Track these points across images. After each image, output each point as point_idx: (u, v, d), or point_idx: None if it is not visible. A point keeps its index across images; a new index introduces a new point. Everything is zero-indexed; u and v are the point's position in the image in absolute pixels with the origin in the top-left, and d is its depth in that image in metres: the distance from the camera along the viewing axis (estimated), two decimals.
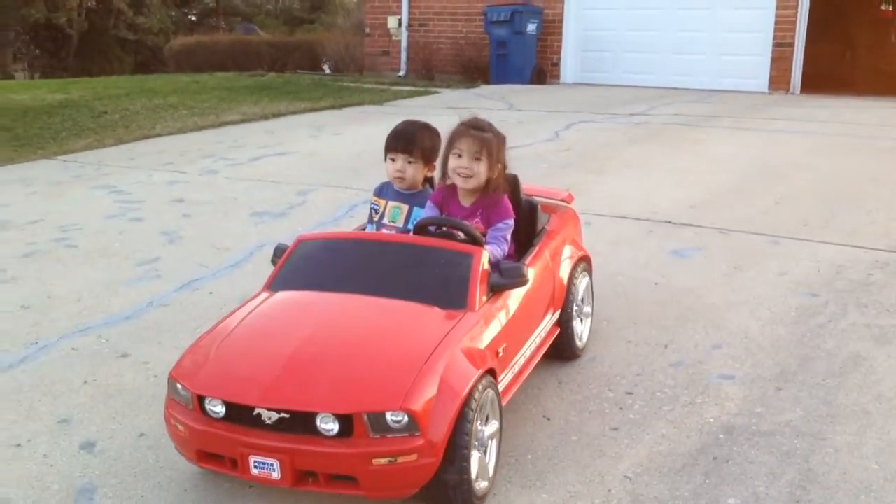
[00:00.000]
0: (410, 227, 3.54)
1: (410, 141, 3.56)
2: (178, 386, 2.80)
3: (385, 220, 3.64)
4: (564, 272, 3.78)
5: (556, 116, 10.66)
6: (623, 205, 6.50)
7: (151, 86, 13.84)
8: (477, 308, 3.02)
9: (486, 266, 3.14)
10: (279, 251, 3.39)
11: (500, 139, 3.52)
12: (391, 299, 3.02)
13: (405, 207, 3.62)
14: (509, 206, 3.52)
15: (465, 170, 3.42)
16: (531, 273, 3.32)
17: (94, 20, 28.11)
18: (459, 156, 3.43)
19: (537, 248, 3.61)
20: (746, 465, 3.12)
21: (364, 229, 3.81)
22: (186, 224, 6.27)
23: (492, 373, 2.91)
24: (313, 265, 3.30)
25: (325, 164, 8.10)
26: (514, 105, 11.72)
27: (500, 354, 3.06)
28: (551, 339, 3.68)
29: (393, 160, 3.59)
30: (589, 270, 4.08)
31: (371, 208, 3.73)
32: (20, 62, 30.57)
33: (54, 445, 3.34)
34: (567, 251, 3.88)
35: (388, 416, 2.56)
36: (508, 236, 3.47)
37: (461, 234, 3.35)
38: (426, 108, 11.78)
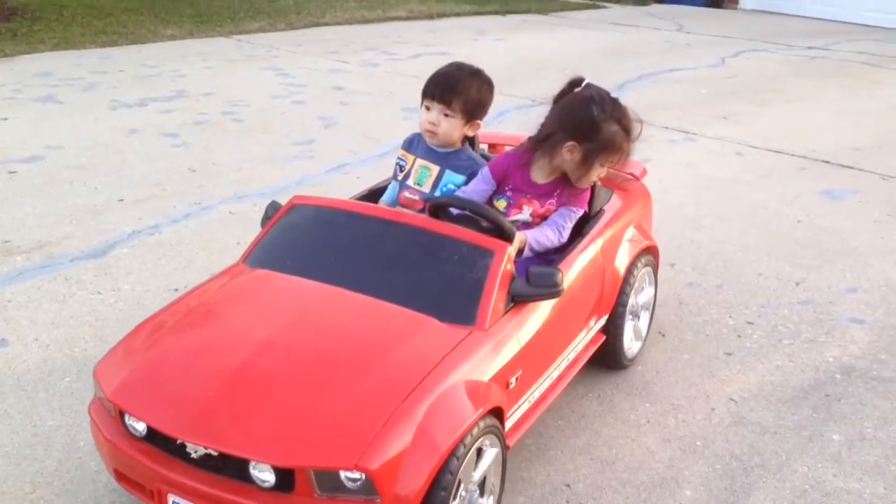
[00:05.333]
0: (439, 194, 2.89)
1: (451, 89, 2.86)
2: (100, 388, 2.28)
3: (409, 182, 2.97)
4: (620, 265, 3.04)
5: (726, 42, 10.21)
6: (780, 139, 6.26)
7: None
8: (487, 326, 2.36)
9: (510, 267, 2.47)
10: (271, 210, 2.78)
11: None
12: (382, 301, 2.39)
13: (435, 169, 2.94)
14: (587, 197, 2.89)
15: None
16: (570, 278, 2.67)
17: None
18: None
19: (586, 238, 2.90)
20: (859, 406, 3.09)
21: (380, 193, 3.15)
22: (343, 111, 6.54)
23: (496, 412, 2.31)
24: (300, 239, 2.71)
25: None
26: (683, 27, 11.28)
27: (513, 385, 2.42)
28: (593, 349, 3.02)
29: (427, 108, 2.90)
30: (654, 264, 3.31)
31: (397, 163, 3.06)
32: None
33: None
34: (627, 240, 3.11)
35: (341, 474, 2.00)
36: (570, 224, 2.82)
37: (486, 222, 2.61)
38: (590, 21, 11.53)
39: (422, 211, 2.83)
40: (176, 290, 3.70)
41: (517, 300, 2.46)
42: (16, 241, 4.13)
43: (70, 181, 4.92)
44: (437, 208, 2.67)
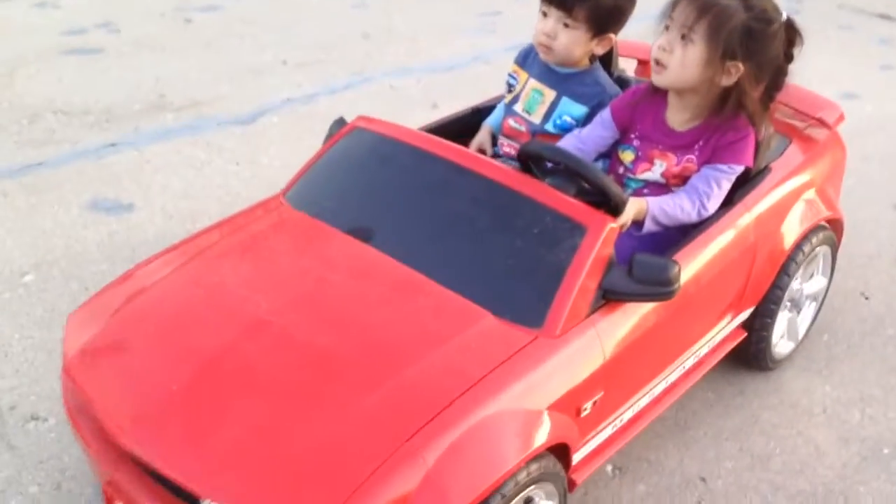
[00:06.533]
0: (552, 128, 2.28)
1: None
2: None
3: (517, 107, 2.35)
4: (784, 240, 2.26)
5: None
6: None
7: None
8: (558, 331, 1.72)
9: (607, 251, 1.79)
10: (335, 129, 2.21)
11: (759, 18, 1.97)
12: (427, 279, 1.81)
13: (550, 95, 2.28)
14: (749, 147, 2.07)
15: (661, 52, 2.01)
16: (699, 263, 2.00)
17: None
18: (667, 28, 2.03)
19: (735, 207, 2.13)
20: None
21: (486, 113, 2.53)
22: None
23: (559, 449, 1.74)
24: (351, 177, 2.13)
25: None
26: None
27: (586, 412, 1.80)
28: (729, 347, 2.30)
29: (544, 14, 2.22)
30: (834, 244, 2.50)
31: (507, 81, 2.43)
32: None
33: None
34: (801, 207, 2.30)
35: None
36: (721, 191, 2.07)
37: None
38: None
39: None
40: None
41: (610, 297, 1.80)
42: (171, 97, 4.00)
43: (240, 36, 4.74)
44: (528, 158, 1.97)
